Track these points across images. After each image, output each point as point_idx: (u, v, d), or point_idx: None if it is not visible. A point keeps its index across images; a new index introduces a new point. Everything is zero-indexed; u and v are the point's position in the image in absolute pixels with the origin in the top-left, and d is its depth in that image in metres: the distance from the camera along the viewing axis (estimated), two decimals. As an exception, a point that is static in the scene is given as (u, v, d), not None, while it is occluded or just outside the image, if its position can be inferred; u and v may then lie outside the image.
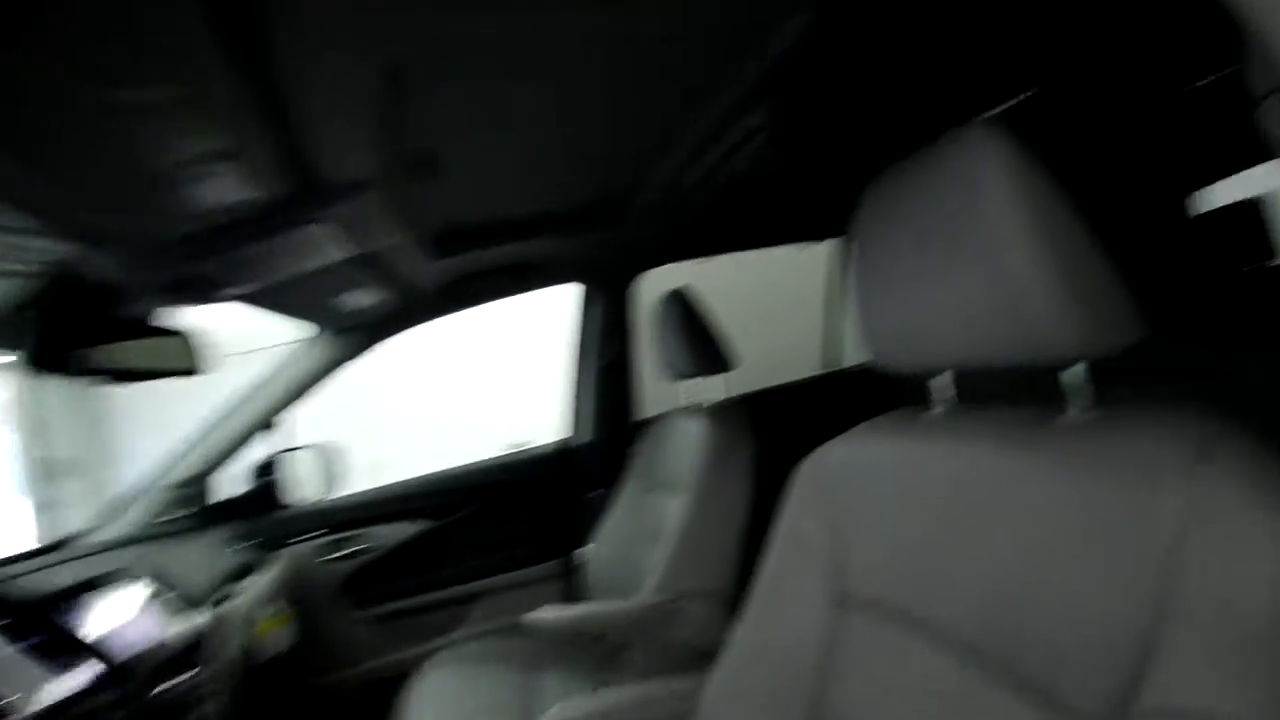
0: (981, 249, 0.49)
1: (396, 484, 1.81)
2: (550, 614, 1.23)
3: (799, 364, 2.27)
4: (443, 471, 1.86)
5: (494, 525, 1.80)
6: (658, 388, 1.89)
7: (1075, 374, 0.52)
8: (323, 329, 1.57)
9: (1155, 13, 0.99)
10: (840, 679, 0.65)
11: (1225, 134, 1.84)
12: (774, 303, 2.75)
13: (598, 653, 1.46)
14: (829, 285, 2.43)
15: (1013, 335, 0.50)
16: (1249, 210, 2.01)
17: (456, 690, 1.32)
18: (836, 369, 2.36)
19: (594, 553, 1.68)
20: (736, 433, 1.33)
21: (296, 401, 1.59)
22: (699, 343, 1.42)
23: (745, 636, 0.76)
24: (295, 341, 1.61)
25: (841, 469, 0.71)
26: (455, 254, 1.33)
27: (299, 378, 1.57)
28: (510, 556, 1.78)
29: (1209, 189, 2.04)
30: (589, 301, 1.86)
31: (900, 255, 0.59)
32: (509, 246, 1.44)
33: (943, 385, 0.66)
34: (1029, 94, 1.22)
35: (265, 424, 1.59)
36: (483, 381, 3.91)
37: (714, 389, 1.49)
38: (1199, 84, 1.41)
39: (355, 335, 1.60)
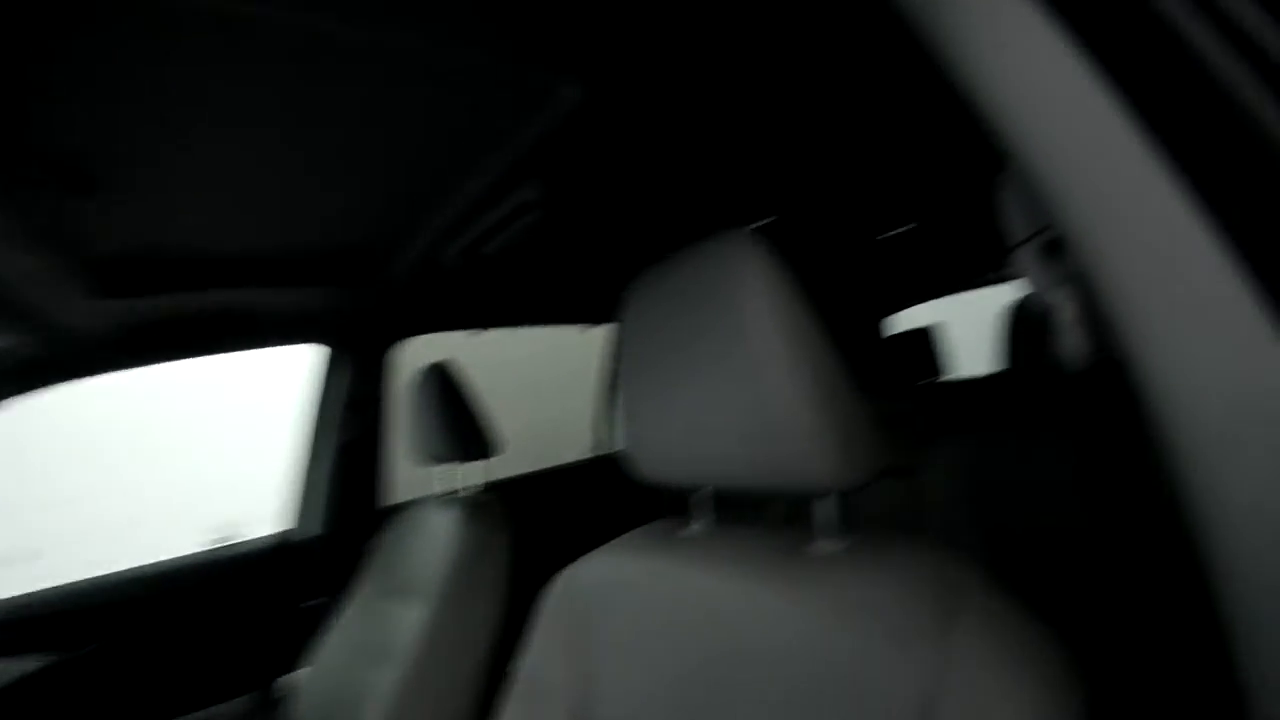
0: (742, 367, 0.47)
1: (23, 596, 1.28)
2: None
3: (574, 444, 2.22)
4: (103, 576, 1.37)
5: (173, 648, 1.35)
6: (411, 472, 1.67)
7: (827, 504, 0.51)
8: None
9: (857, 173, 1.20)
10: None
11: (909, 273, 2.34)
12: (552, 377, 2.70)
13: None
14: (603, 365, 2.47)
15: (770, 460, 0.48)
16: (921, 336, 2.55)
17: None
18: (607, 453, 2.36)
19: (308, 679, 1.34)
20: (492, 529, 1.18)
21: None
22: (459, 425, 1.28)
23: None
24: None
25: (594, 592, 0.63)
26: (135, 294, 1.02)
27: None
28: (190, 693, 1.35)
29: (894, 317, 2.59)
30: (334, 367, 1.60)
31: (664, 358, 0.55)
32: (228, 292, 1.17)
33: (703, 500, 0.63)
34: (774, 219, 1.38)
35: None
36: (182, 452, 3.15)
37: (474, 472, 1.34)
38: (889, 234, 1.76)
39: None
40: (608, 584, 0.63)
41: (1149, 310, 0.27)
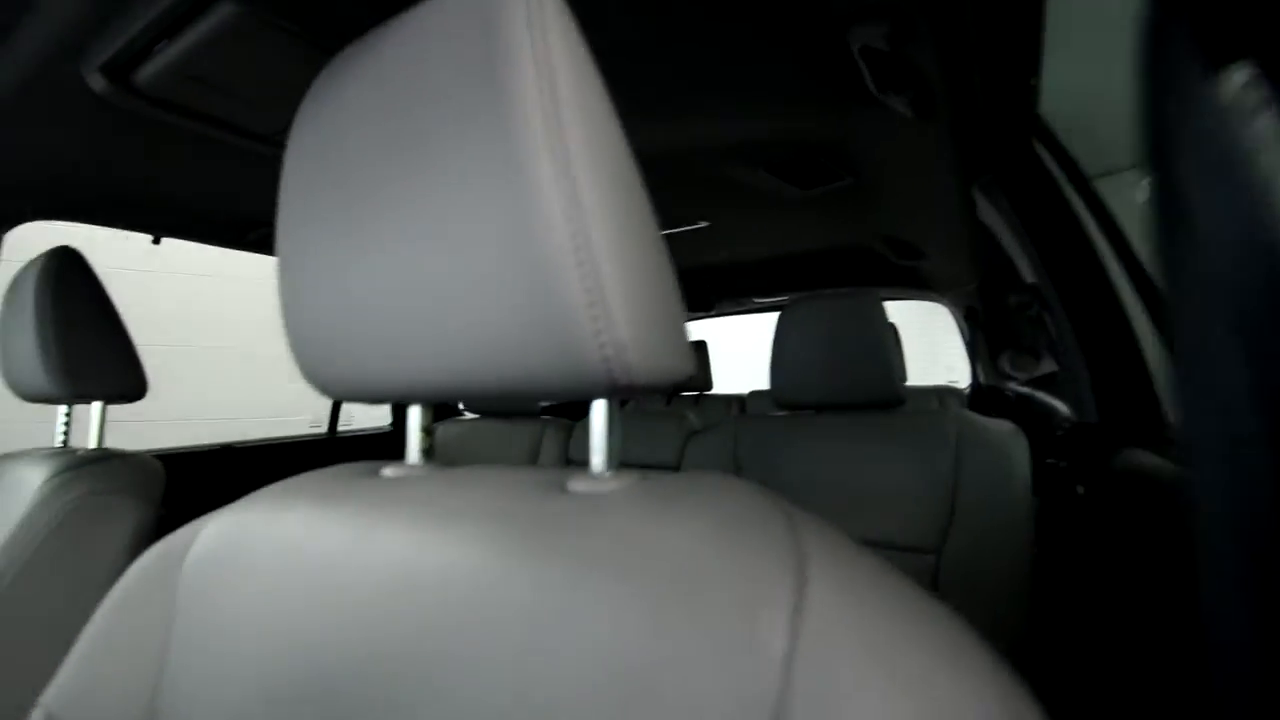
0: (505, 184, 0.28)
1: None
2: None
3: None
4: None
5: None
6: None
7: (604, 415, 0.34)
8: None
9: None
10: None
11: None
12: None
13: None
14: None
15: (538, 339, 0.29)
16: (699, 347, 2.63)
17: None
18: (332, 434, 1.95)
19: None
20: (114, 497, 0.80)
21: None
22: (88, 340, 0.86)
23: None
24: None
25: (210, 558, 0.38)
26: None
27: None
28: None
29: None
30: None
31: (355, 189, 0.34)
32: None
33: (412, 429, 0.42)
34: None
35: None
36: None
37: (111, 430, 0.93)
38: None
39: None
40: (234, 545, 0.38)
41: None
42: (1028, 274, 1.30)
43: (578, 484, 0.33)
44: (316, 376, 0.38)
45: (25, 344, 0.85)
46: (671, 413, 1.97)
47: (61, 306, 0.85)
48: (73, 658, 0.39)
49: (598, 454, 0.34)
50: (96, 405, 0.90)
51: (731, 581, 0.26)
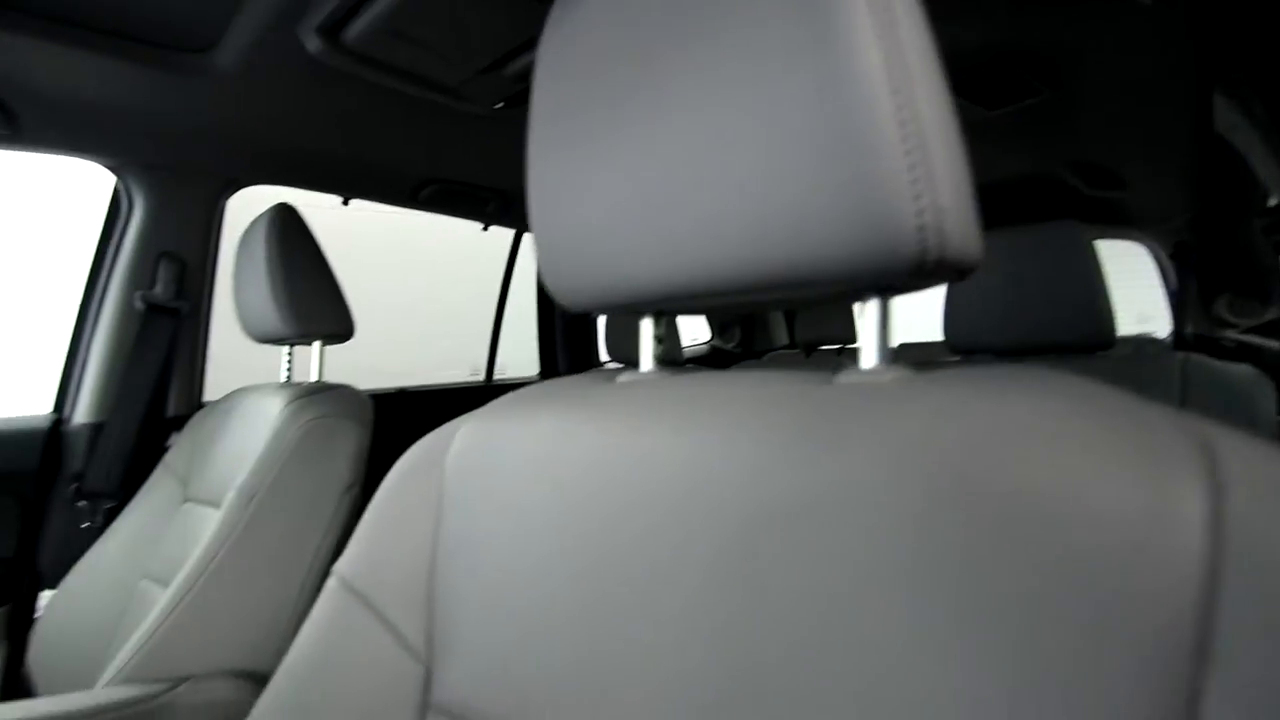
0: (816, 64, 0.26)
1: None
2: None
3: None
4: None
5: None
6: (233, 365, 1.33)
7: (873, 313, 0.31)
8: None
9: None
10: None
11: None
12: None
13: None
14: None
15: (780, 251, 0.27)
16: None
17: None
18: (501, 380, 2.09)
19: (59, 602, 1.01)
20: (337, 420, 0.91)
21: None
22: (305, 290, 0.97)
23: None
24: None
25: (471, 456, 0.41)
26: None
27: None
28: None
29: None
30: (131, 201, 1.19)
31: (618, 85, 0.33)
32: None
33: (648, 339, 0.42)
34: None
35: None
36: None
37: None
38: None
39: None
40: (489, 445, 0.41)
41: None
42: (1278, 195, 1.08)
43: (847, 377, 0.31)
44: (571, 293, 0.40)
45: (258, 291, 0.97)
46: (821, 366, 1.90)
47: (285, 256, 0.96)
48: (358, 535, 0.44)
49: (870, 348, 0.32)
50: (316, 344, 1.02)
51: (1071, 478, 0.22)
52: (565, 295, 0.40)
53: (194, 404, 1.27)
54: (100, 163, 1.13)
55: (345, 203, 1.42)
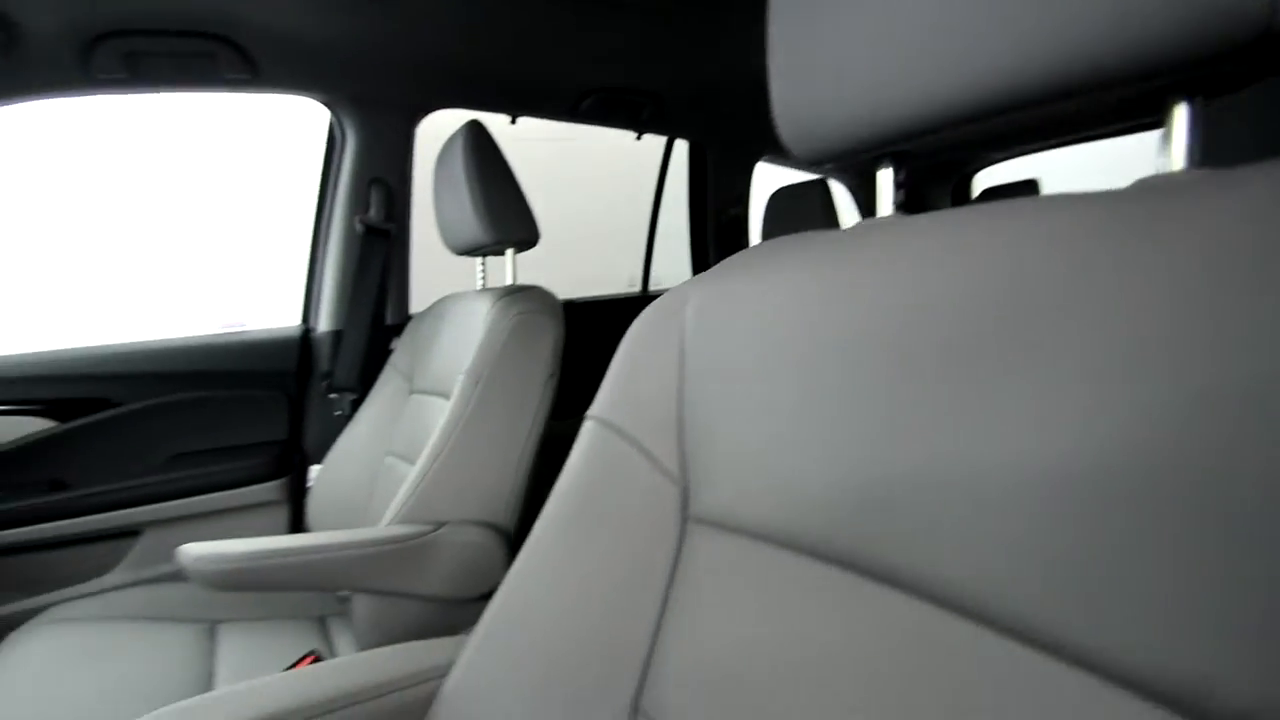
0: None
1: (4, 358, 1.17)
2: (220, 550, 0.80)
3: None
4: (96, 347, 1.25)
5: (177, 430, 1.26)
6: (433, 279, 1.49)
7: (1185, 110, 0.29)
8: None
9: None
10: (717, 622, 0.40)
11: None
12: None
13: (310, 608, 1.07)
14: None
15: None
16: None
17: (65, 658, 0.84)
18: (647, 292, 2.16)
19: (325, 475, 1.26)
20: (537, 315, 1.01)
21: None
22: (496, 202, 1.06)
23: (532, 567, 0.48)
24: None
25: (713, 311, 0.45)
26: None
27: None
28: (199, 476, 1.26)
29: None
30: (344, 133, 1.35)
31: None
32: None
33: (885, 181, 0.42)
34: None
35: None
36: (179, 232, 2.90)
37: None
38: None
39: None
40: (729, 296, 0.44)
41: None
42: None
43: (1151, 182, 0.29)
44: (812, 141, 0.40)
45: (458, 205, 1.08)
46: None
47: (480, 169, 1.05)
48: (607, 382, 0.50)
49: (1180, 151, 0.30)
50: (509, 251, 1.12)
51: None
52: (805, 146, 0.41)
53: (405, 313, 1.46)
54: (317, 99, 1.29)
55: (513, 121, 1.50)
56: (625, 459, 0.47)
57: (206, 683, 0.83)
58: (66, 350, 1.21)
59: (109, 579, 1.19)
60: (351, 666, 0.50)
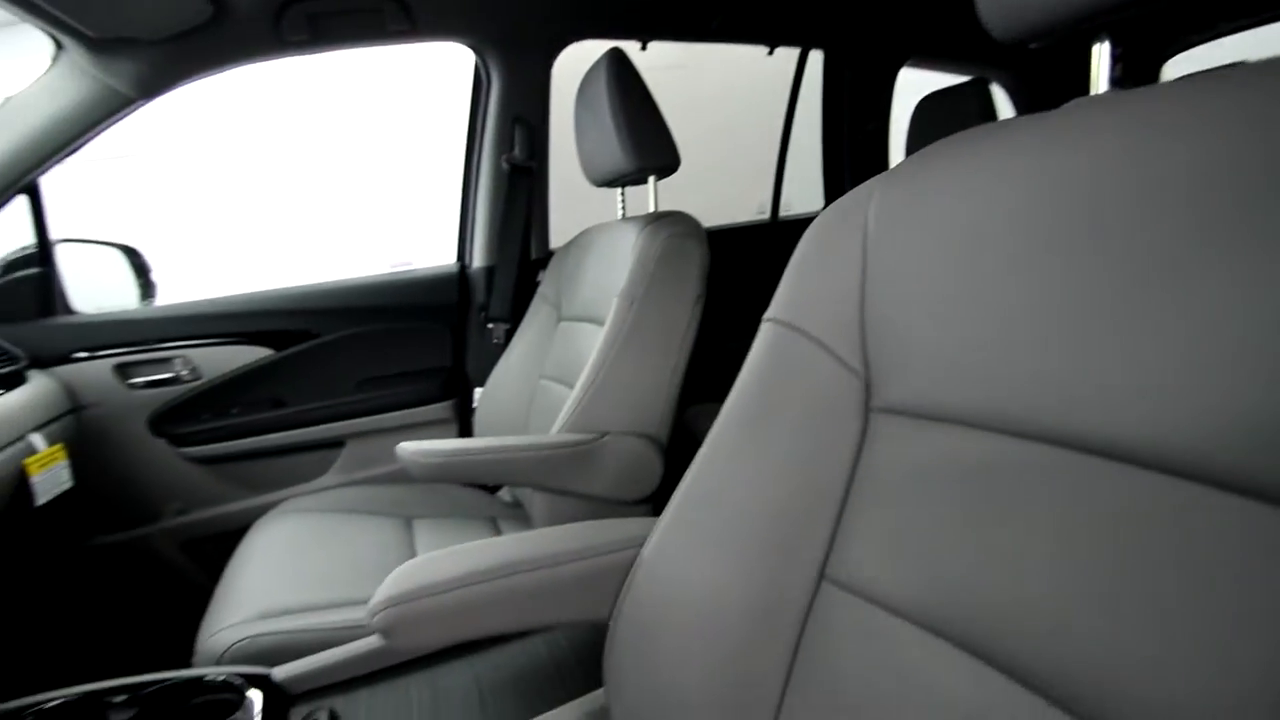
0: None
1: (232, 298, 1.40)
2: (430, 447, 0.94)
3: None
4: (300, 287, 1.45)
5: (364, 357, 1.45)
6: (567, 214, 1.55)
7: None
8: (79, 40, 1.05)
9: None
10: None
11: None
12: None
13: (483, 510, 1.22)
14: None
15: None
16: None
17: (302, 540, 1.03)
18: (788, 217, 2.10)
19: (487, 397, 1.39)
20: (685, 239, 1.03)
21: (57, 157, 1.10)
22: (639, 130, 1.07)
23: (720, 454, 0.52)
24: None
25: (897, 209, 0.45)
26: None
27: (57, 118, 1.07)
28: (383, 396, 1.45)
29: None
30: (489, 75, 1.42)
31: None
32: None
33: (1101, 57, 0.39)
34: None
35: (20, 186, 1.11)
36: (350, 185, 3.22)
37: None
38: None
39: (136, 60, 1.09)
40: (918, 190, 0.43)
41: None
42: None
43: None
44: (1018, 11, 0.38)
45: (601, 134, 1.10)
46: None
47: (623, 96, 1.06)
48: (785, 283, 0.52)
49: None
50: (651, 180, 1.14)
51: None
52: (1008, 20, 0.39)
53: (546, 248, 1.55)
54: (466, 43, 1.35)
55: (643, 48, 1.49)
56: (806, 356, 0.48)
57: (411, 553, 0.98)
58: (277, 290, 1.42)
59: (323, 480, 1.42)
60: (560, 534, 0.58)
